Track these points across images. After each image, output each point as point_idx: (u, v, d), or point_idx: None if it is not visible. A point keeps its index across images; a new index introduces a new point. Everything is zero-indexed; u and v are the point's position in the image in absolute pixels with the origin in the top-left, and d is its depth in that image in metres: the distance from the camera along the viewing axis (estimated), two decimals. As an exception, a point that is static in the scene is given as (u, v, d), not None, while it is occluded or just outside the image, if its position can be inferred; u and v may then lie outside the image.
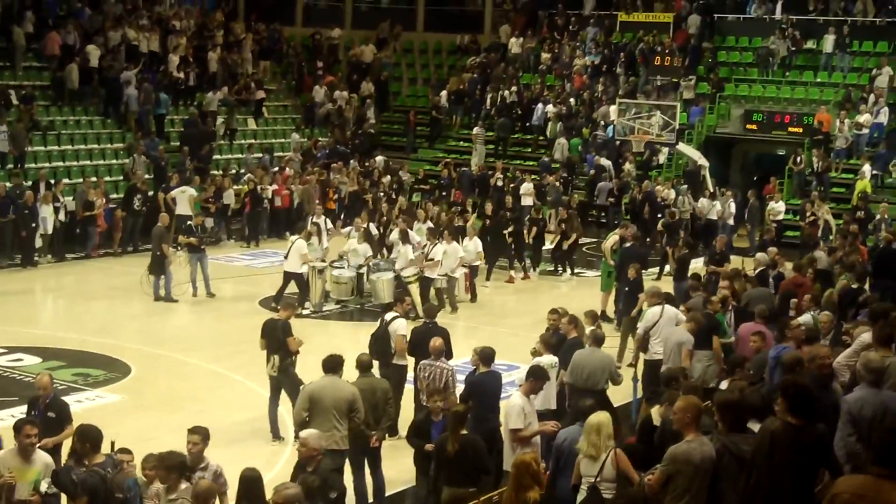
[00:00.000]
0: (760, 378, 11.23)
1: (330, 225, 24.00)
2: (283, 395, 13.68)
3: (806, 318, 13.73)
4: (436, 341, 12.51)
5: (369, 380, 11.71)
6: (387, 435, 12.10)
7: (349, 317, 21.01)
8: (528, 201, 28.43)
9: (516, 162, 33.98)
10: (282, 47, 39.35)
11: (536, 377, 11.03)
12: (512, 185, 29.77)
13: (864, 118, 30.39)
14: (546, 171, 31.78)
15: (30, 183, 25.89)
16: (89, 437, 9.22)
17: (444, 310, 20.06)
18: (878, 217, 25.56)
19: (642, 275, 18.56)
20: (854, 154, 30.48)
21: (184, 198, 26.11)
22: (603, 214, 30.90)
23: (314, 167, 31.56)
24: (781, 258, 18.59)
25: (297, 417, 11.25)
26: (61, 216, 24.85)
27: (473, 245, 22.26)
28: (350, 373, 11.74)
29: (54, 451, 10.25)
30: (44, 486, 9.01)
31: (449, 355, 12.80)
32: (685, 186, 29.45)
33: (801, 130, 31.82)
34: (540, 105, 34.93)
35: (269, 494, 8.32)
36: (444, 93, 37.04)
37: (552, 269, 25.25)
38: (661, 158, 32.65)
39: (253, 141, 33.93)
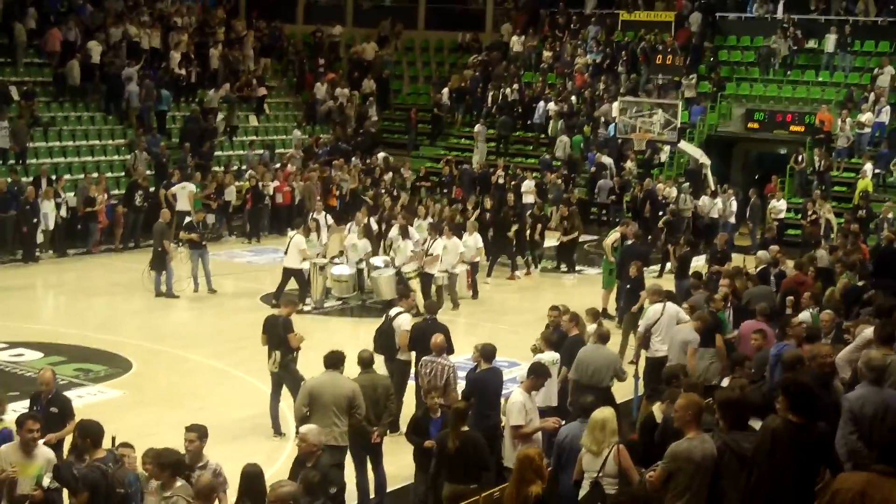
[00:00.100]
0: (761, 376, 11.24)
1: (330, 221, 24.01)
2: (285, 392, 13.69)
3: (804, 315, 13.76)
4: (437, 338, 12.51)
5: (370, 376, 11.71)
6: (388, 431, 12.10)
7: (350, 313, 21.02)
8: (529, 199, 28.45)
9: (517, 160, 33.97)
10: (283, 44, 39.35)
11: (538, 374, 11.03)
12: (513, 183, 29.77)
13: (865, 117, 30.38)
14: (547, 168, 31.79)
15: (31, 179, 25.88)
16: (90, 433, 9.21)
17: (445, 306, 20.09)
18: (880, 216, 25.56)
19: (643, 272, 18.58)
20: (855, 153, 30.48)
21: (184, 194, 26.18)
22: (604, 212, 30.91)
23: (316, 164, 31.56)
24: (783, 256, 18.62)
25: (298, 413, 11.27)
26: (62, 212, 24.87)
27: (473, 241, 22.27)
28: (352, 369, 11.75)
29: (56, 446, 10.28)
30: (46, 481, 9.01)
31: (450, 351, 12.81)
32: (687, 185, 29.45)
33: (802, 129, 31.84)
34: (541, 103, 34.91)
35: (270, 490, 8.32)
36: (445, 90, 37.01)
37: (554, 266, 25.28)
38: (663, 157, 32.66)
39: (254, 138, 33.93)
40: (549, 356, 12.37)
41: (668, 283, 19.34)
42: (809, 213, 26.66)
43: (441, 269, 20.91)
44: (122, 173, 28.93)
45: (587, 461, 9.04)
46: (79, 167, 28.45)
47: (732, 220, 28.46)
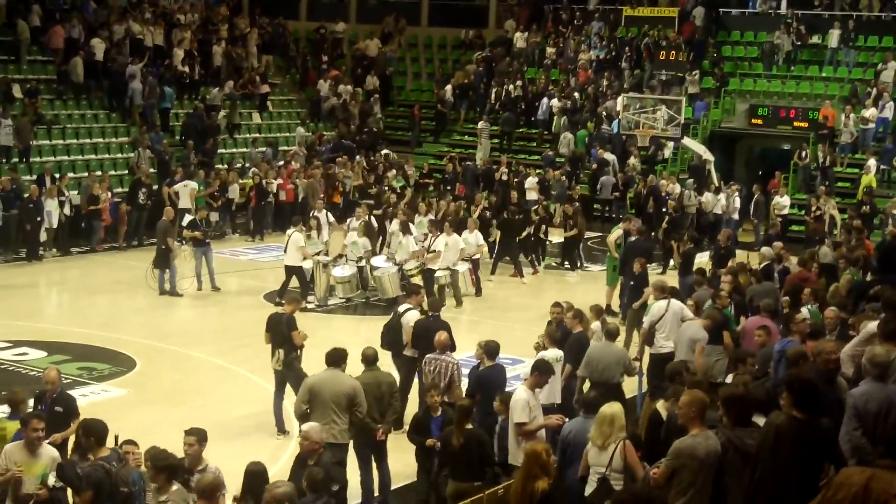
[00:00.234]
0: (765, 372, 11.22)
1: (331, 219, 24.01)
2: (288, 390, 13.68)
3: (804, 312, 13.71)
4: (441, 335, 12.49)
5: (374, 373, 11.69)
6: (392, 428, 12.09)
7: (354, 311, 21.01)
8: (532, 196, 28.43)
9: (521, 156, 33.97)
10: (286, 41, 39.33)
11: (541, 371, 11.02)
12: (516, 180, 29.74)
13: (869, 113, 30.35)
14: (550, 165, 31.76)
15: (34, 177, 25.90)
16: (94, 432, 9.22)
17: (448, 303, 20.08)
18: (885, 211, 25.50)
19: (647, 269, 18.57)
20: (859, 149, 30.44)
21: (186, 192, 26.19)
22: (607, 209, 30.89)
23: (319, 161, 31.55)
24: (787, 253, 18.58)
25: (297, 410, 11.28)
26: (66, 210, 24.91)
27: (474, 238, 22.29)
28: (356, 367, 11.74)
29: (61, 445, 10.28)
30: (51, 480, 9.04)
31: (453, 348, 12.80)
32: (691, 181, 29.42)
33: (806, 125, 31.80)
34: (545, 100, 34.91)
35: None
36: (448, 87, 37.01)
37: (558, 263, 25.29)
38: (667, 153, 32.63)
39: (258, 135, 33.91)
40: (553, 353, 12.37)
41: (671, 279, 19.31)
42: (813, 209, 26.63)
43: (443, 267, 20.90)
44: (126, 171, 28.93)
45: (593, 456, 9.06)
46: (82, 165, 28.45)
47: (736, 216, 28.44)
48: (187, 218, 22.91)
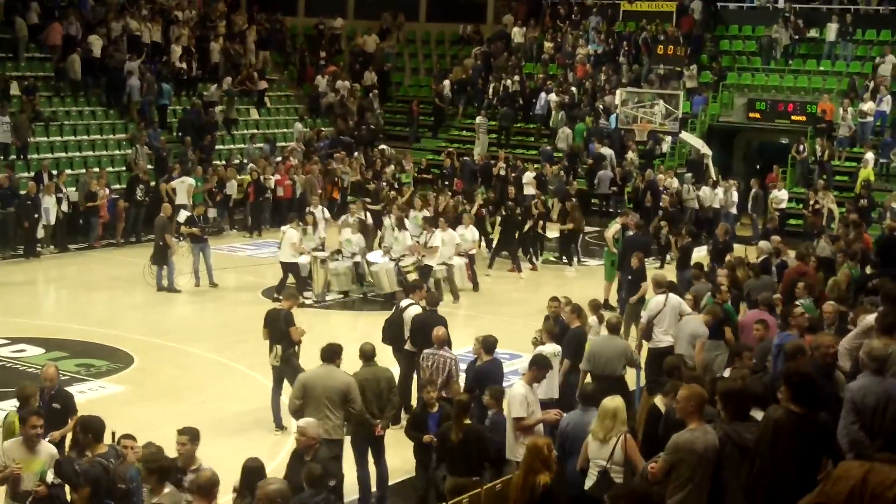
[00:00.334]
0: (763, 366, 11.22)
1: (327, 215, 24.00)
2: (286, 386, 13.66)
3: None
4: (439, 330, 12.49)
5: (373, 369, 11.67)
6: (390, 424, 12.08)
7: (352, 306, 21.01)
8: (530, 191, 28.41)
9: (519, 151, 33.95)
10: (284, 37, 39.29)
11: (539, 366, 11.02)
12: (513, 175, 29.72)
13: (867, 106, 30.33)
14: (547, 160, 31.70)
15: (32, 174, 25.89)
16: (91, 428, 9.21)
17: (446, 298, 20.08)
18: (885, 205, 25.49)
19: (645, 263, 18.57)
20: (857, 143, 30.43)
21: (183, 188, 26.20)
22: (605, 204, 30.86)
23: (317, 157, 31.54)
24: (784, 247, 18.56)
25: (291, 406, 11.27)
26: (64, 207, 24.88)
27: (470, 233, 22.29)
28: (354, 362, 11.72)
29: (58, 442, 10.27)
30: (50, 477, 9.02)
31: (448, 343, 12.79)
32: (689, 175, 29.41)
33: (804, 119, 31.80)
34: (543, 94, 34.88)
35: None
36: (446, 82, 36.98)
37: (556, 258, 25.28)
38: (665, 147, 32.61)
39: (255, 131, 33.90)
40: (551, 348, 12.37)
41: (670, 273, 19.30)
42: (811, 202, 26.62)
43: (438, 262, 20.89)
44: (124, 168, 28.90)
45: (593, 449, 9.06)
46: (80, 162, 28.42)
47: (734, 210, 28.43)
48: (183, 214, 22.89)
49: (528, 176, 29.38)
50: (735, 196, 28.36)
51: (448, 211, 23.73)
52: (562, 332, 12.99)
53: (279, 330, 13.64)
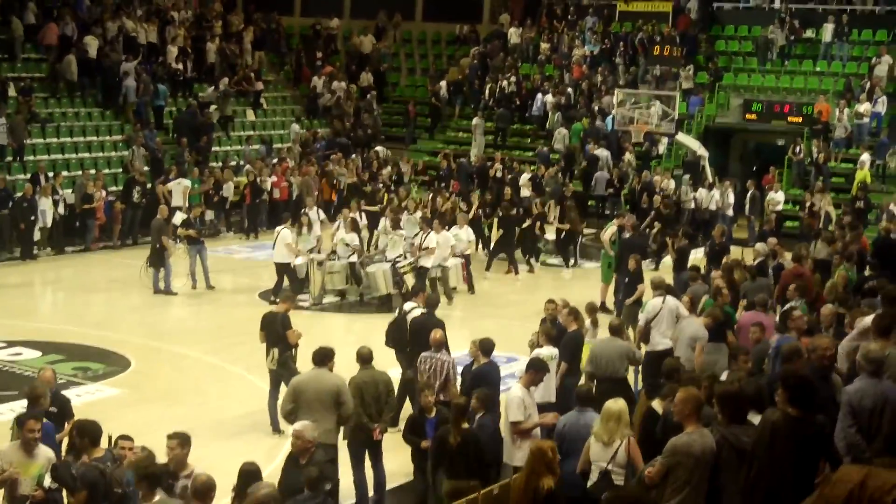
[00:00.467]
0: (760, 369, 11.22)
1: (323, 216, 23.99)
2: (283, 389, 13.64)
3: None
4: (436, 333, 12.46)
5: (370, 372, 11.64)
6: (388, 427, 12.06)
7: (348, 309, 20.98)
8: (526, 193, 28.39)
9: (516, 152, 33.94)
10: (280, 38, 39.26)
11: (536, 369, 11.01)
12: (510, 177, 29.71)
13: (863, 107, 30.32)
14: (544, 162, 31.66)
15: (28, 176, 25.84)
16: (88, 432, 9.20)
17: (441, 301, 20.06)
18: (882, 207, 25.50)
19: (642, 265, 18.56)
20: (854, 143, 30.42)
21: (178, 189, 26.17)
22: (601, 205, 30.84)
23: (314, 158, 31.52)
24: (781, 248, 18.58)
25: (283, 410, 11.25)
26: (60, 209, 24.84)
27: (465, 234, 22.29)
28: (352, 365, 11.70)
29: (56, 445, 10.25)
30: (47, 481, 9.01)
31: (446, 346, 12.76)
32: (685, 176, 29.40)
33: (800, 120, 31.74)
34: (539, 95, 34.86)
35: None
36: (443, 83, 36.96)
37: (554, 260, 25.32)
38: (661, 148, 32.59)
39: (252, 132, 33.87)
40: (548, 351, 12.35)
41: (666, 275, 19.29)
42: (808, 204, 26.62)
43: (433, 263, 20.87)
44: (120, 169, 28.85)
45: (596, 451, 9.06)
46: (76, 163, 28.37)
47: (730, 212, 28.38)
48: (179, 216, 22.85)
49: (525, 178, 29.35)
50: (731, 197, 28.34)
51: (445, 212, 23.72)
52: (559, 334, 12.98)
53: (276, 333, 13.63)
